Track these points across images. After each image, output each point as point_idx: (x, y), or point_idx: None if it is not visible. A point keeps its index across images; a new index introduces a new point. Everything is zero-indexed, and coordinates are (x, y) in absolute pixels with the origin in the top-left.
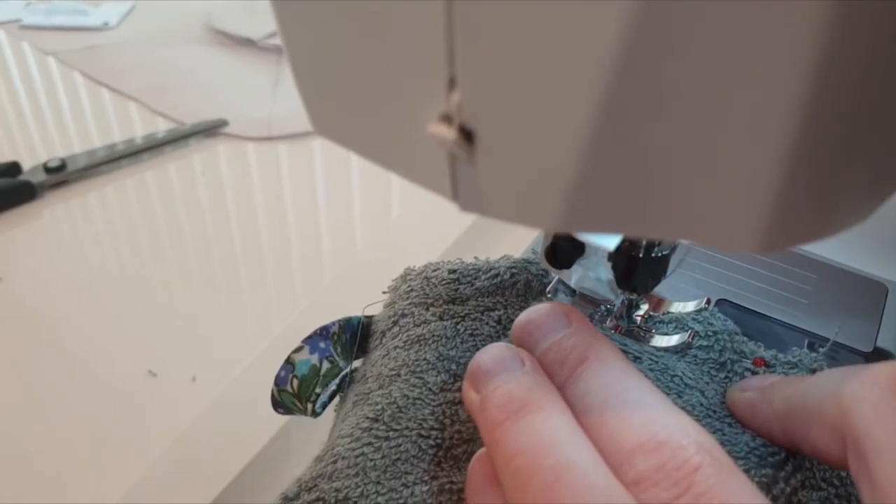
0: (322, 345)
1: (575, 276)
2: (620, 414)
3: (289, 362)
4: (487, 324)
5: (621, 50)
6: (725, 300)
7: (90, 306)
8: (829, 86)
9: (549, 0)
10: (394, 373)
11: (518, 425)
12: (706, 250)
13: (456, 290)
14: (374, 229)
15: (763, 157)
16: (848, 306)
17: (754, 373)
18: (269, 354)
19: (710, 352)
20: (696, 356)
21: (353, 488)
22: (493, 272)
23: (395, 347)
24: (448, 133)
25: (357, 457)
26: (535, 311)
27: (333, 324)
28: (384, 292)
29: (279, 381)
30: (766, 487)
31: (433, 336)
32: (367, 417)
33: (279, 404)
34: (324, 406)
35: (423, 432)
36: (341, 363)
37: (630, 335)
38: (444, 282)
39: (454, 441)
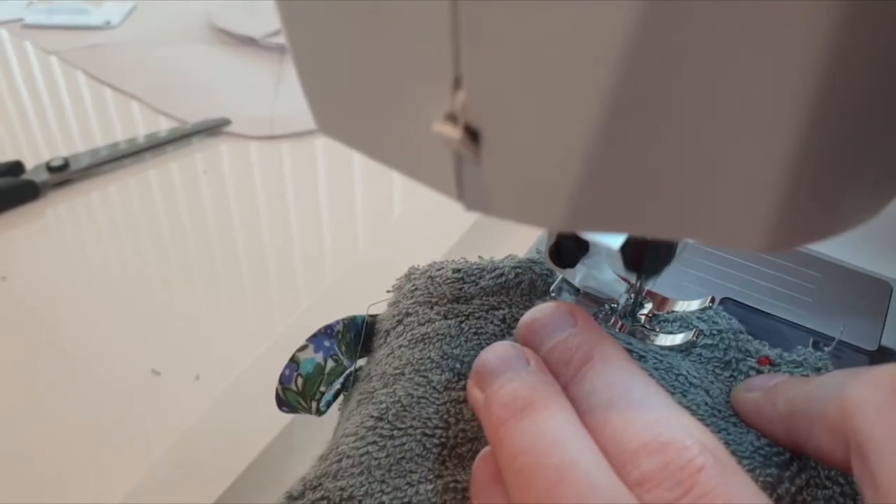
0: (327, 343)
1: (579, 275)
2: (624, 414)
3: (293, 361)
4: (492, 322)
5: (627, 50)
6: (730, 299)
7: (93, 305)
8: (835, 86)
9: (555, 0)
10: (398, 371)
11: (522, 424)
12: (710, 249)
13: (460, 289)
14: (376, 228)
15: (769, 156)
16: (852, 305)
17: (759, 371)
18: (272, 353)
19: (714, 350)
20: (700, 355)
21: (358, 487)
22: (497, 272)
23: (400, 346)
24: (453, 132)
25: (362, 455)
26: (540, 311)
27: (338, 322)
28: (388, 291)
29: (284, 380)
30: (770, 487)
31: (437, 335)
32: (372, 416)
33: (283, 403)
34: (328, 405)
35: (427, 431)
36: (346, 362)
37: (634, 334)
38: (448, 281)
39: (459, 440)
